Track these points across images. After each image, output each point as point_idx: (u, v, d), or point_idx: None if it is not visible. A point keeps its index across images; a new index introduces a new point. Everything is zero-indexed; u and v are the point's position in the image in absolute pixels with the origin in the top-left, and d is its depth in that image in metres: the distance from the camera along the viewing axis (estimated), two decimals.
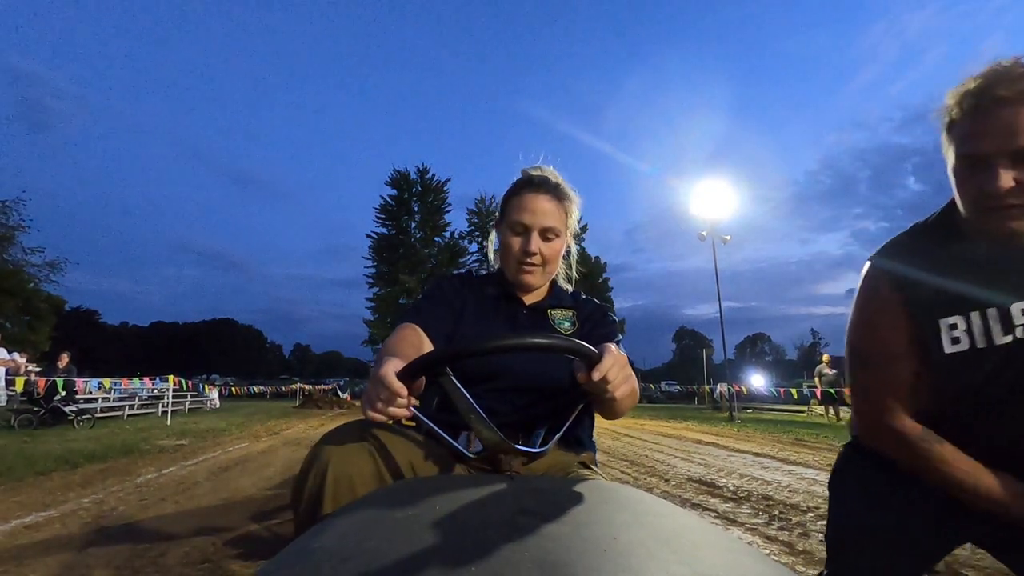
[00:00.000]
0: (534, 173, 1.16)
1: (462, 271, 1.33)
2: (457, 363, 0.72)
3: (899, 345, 0.90)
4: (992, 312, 0.85)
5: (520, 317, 1.14)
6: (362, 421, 0.80)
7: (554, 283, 1.23)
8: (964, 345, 0.86)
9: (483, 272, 1.31)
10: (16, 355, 9.91)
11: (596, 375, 0.73)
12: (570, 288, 1.27)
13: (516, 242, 1.11)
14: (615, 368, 0.75)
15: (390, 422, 0.78)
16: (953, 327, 0.86)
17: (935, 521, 0.97)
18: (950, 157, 0.88)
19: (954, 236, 0.90)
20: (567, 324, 1.15)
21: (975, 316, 0.85)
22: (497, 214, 1.22)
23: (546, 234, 1.10)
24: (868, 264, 0.97)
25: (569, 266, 1.29)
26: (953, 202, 0.92)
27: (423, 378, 0.76)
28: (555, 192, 1.13)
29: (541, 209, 1.09)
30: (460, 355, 0.71)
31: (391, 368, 0.73)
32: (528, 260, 1.10)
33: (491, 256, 1.27)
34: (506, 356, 0.96)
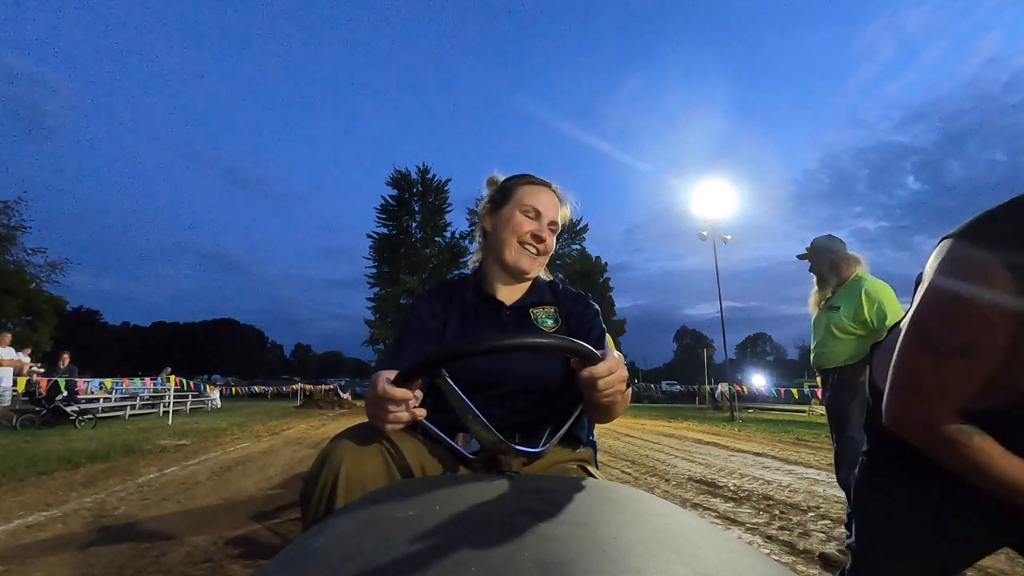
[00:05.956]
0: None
1: (457, 276, 1.33)
2: (452, 364, 0.71)
3: (994, 340, 0.76)
4: None
5: (503, 319, 1.13)
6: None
7: (536, 276, 1.22)
8: None
9: (463, 272, 1.30)
10: (21, 355, 9.93)
11: (585, 374, 0.77)
12: (547, 277, 1.26)
13: (528, 224, 1.12)
14: (611, 377, 0.78)
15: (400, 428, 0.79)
16: None
17: (975, 527, 0.92)
18: None
19: None
20: (550, 322, 1.14)
21: None
22: (489, 201, 1.20)
23: (551, 227, 1.16)
24: (955, 241, 0.80)
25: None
26: None
27: (420, 381, 0.76)
28: (559, 193, 1.19)
29: (552, 203, 1.16)
30: (455, 355, 0.71)
31: (385, 379, 0.74)
32: (535, 244, 1.13)
33: (477, 241, 1.26)
34: (504, 360, 0.96)
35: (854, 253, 2.84)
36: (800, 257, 3.05)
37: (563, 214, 1.19)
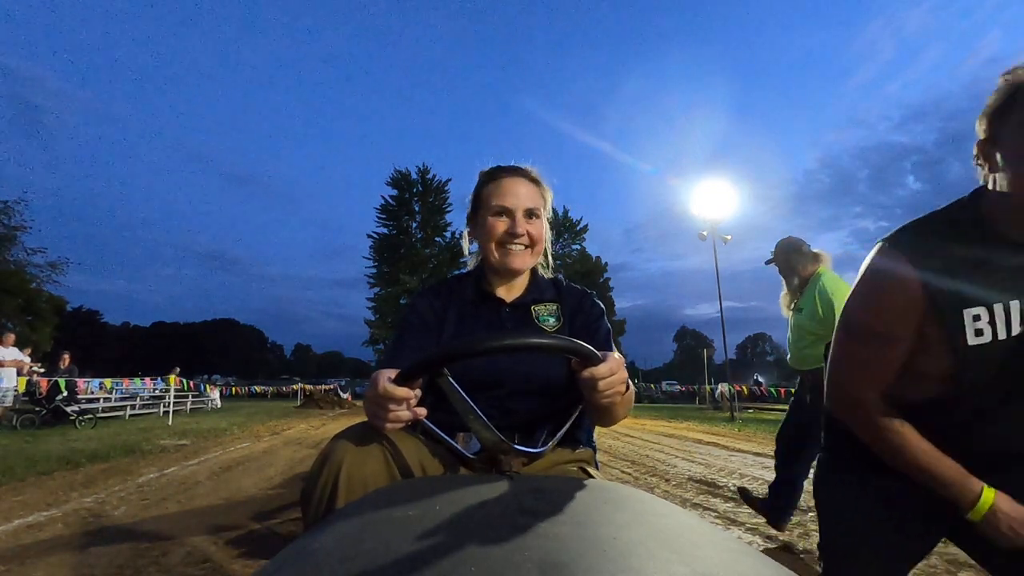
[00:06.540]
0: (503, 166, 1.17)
1: (457, 274, 1.29)
2: (454, 364, 0.71)
3: (904, 329, 0.88)
4: (1015, 304, 0.83)
5: (503, 317, 1.11)
6: None
7: (535, 273, 1.19)
8: (987, 337, 0.84)
9: (462, 272, 1.26)
10: (21, 355, 9.93)
11: (586, 374, 0.76)
12: (549, 274, 1.23)
13: (500, 224, 1.08)
14: (612, 378, 0.77)
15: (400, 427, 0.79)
16: (977, 318, 0.84)
17: (917, 520, 0.98)
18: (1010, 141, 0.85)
19: (980, 226, 0.87)
20: (552, 320, 1.11)
21: (998, 308, 0.84)
22: (469, 209, 1.18)
23: (529, 215, 1.10)
24: (882, 245, 0.93)
25: (545, 253, 1.26)
26: (979, 192, 0.90)
27: (420, 381, 0.76)
28: (530, 176, 1.13)
29: (522, 192, 1.09)
30: (456, 355, 0.70)
31: (385, 378, 0.74)
32: (515, 241, 1.08)
33: (466, 250, 1.24)
34: (504, 360, 0.95)
35: (816, 251, 2.81)
36: (768, 263, 3.04)
37: (543, 195, 1.14)
